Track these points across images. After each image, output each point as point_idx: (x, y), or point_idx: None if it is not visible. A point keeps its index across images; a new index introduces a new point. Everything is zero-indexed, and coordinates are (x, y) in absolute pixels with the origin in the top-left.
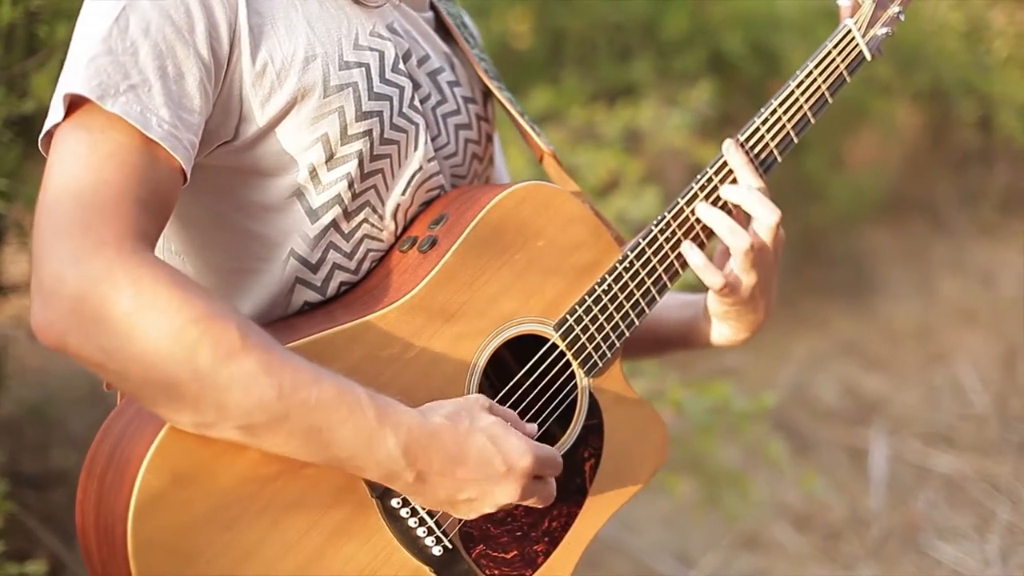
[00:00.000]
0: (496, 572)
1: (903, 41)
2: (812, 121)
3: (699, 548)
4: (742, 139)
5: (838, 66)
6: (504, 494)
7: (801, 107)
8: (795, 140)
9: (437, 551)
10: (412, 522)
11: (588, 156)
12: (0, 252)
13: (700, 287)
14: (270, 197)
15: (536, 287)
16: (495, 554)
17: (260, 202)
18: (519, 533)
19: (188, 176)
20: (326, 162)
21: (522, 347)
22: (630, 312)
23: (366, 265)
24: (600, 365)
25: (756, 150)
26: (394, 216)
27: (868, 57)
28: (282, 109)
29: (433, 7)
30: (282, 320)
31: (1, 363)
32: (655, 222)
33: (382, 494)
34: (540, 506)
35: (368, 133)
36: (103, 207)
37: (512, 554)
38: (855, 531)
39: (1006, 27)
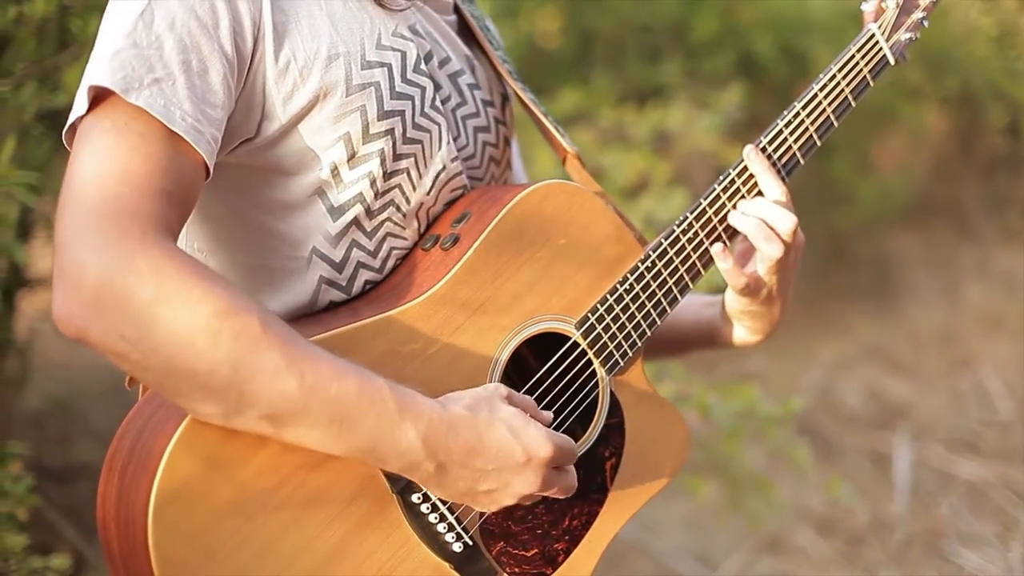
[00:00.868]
0: (516, 570)
1: (933, 45)
2: (835, 124)
3: (721, 551)
4: (765, 142)
5: (862, 70)
6: (524, 484)
7: (824, 111)
8: (818, 143)
9: (457, 547)
10: (432, 517)
11: (617, 157)
12: (28, 246)
13: (721, 288)
14: (292, 195)
15: (558, 285)
16: (515, 552)
17: (282, 200)
18: (539, 531)
19: (211, 171)
20: (348, 161)
21: (543, 345)
22: (652, 312)
23: (390, 264)
24: (621, 364)
25: (779, 154)
26: (417, 215)
27: (892, 62)
28: (304, 107)
29: (457, 9)
30: (306, 315)
31: (26, 357)
32: (677, 223)
33: (402, 489)
34: (562, 496)
35: (390, 132)
36: (127, 198)
37: (532, 552)
38: (878, 536)
39: None
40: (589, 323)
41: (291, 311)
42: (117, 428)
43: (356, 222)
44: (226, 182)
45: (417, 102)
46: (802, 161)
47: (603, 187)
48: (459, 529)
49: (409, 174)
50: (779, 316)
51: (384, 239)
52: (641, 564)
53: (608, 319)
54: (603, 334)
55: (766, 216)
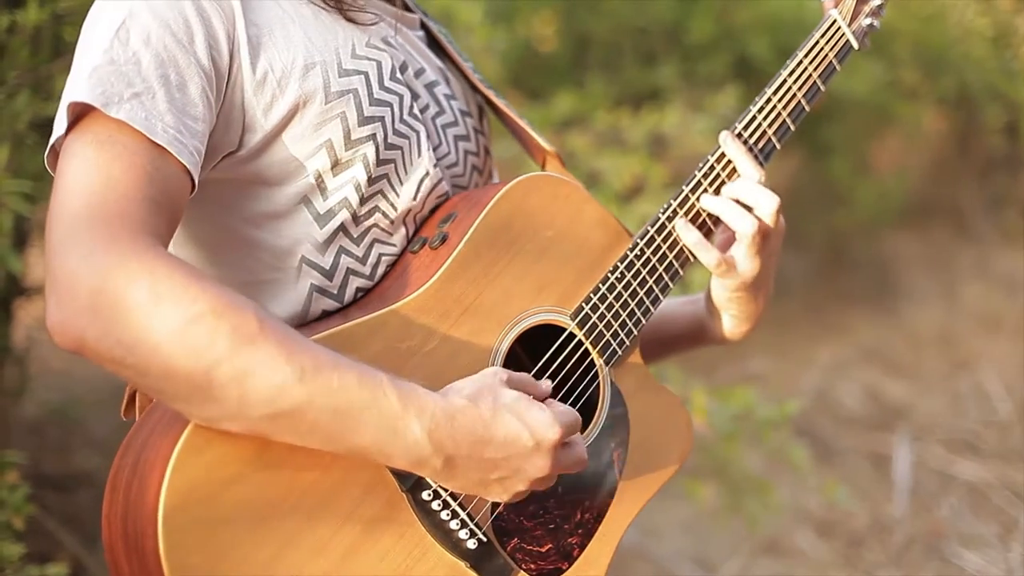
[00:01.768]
0: (532, 566)
1: (929, 46)
2: (807, 109)
3: (721, 554)
4: (740, 127)
5: (827, 55)
6: (535, 469)
7: (795, 95)
8: (792, 127)
9: (472, 544)
10: (444, 515)
11: (613, 161)
12: (24, 254)
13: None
14: (277, 205)
15: (549, 277)
16: (530, 547)
17: (268, 211)
18: (552, 526)
19: (196, 183)
20: (331, 168)
21: (539, 339)
22: (645, 300)
23: (380, 270)
24: (620, 353)
25: (754, 138)
26: (404, 221)
27: (856, 46)
28: (285, 116)
29: (423, 26)
30: (299, 326)
31: (24, 365)
32: (662, 209)
33: (412, 487)
34: (574, 471)
35: (371, 138)
36: (114, 203)
37: (547, 547)
38: (878, 538)
39: None
40: (584, 313)
41: (285, 322)
42: (116, 437)
43: (343, 228)
44: (211, 199)
45: (396, 109)
46: (778, 145)
47: (599, 191)
48: (472, 525)
49: (392, 179)
50: (763, 308)
51: (372, 245)
52: (641, 568)
53: (603, 308)
54: (599, 323)
55: (740, 196)
